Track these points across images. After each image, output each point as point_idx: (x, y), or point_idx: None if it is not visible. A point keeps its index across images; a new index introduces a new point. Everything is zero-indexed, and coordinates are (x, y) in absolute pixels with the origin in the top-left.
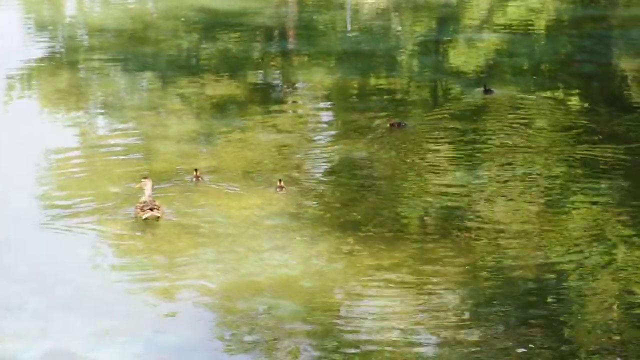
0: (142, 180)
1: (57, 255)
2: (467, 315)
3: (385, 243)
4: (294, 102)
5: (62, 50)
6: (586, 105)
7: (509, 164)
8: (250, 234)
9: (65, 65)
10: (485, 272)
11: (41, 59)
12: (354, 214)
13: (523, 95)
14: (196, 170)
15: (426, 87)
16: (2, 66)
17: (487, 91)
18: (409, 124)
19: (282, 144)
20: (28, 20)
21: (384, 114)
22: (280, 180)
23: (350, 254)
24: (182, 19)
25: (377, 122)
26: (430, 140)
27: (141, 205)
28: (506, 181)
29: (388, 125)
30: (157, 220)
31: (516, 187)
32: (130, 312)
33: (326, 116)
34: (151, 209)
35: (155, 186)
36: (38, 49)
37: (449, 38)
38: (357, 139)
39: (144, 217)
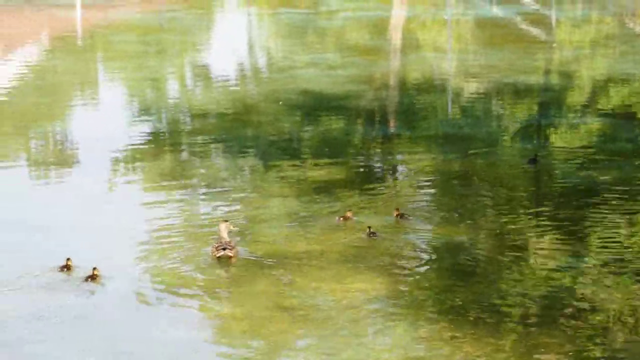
0: (221, 224)
1: (152, 333)
2: None
3: (488, 329)
4: (395, 185)
5: (165, 132)
6: None
7: (615, 247)
8: (351, 317)
9: (167, 148)
10: None
11: (144, 141)
12: (456, 299)
13: (627, 180)
14: (349, 210)
15: (527, 171)
16: (105, 148)
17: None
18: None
19: (384, 227)
20: (131, 102)
21: (485, 198)
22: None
23: (452, 340)
24: (280, 102)
25: (479, 206)
26: (533, 224)
27: (217, 245)
28: (613, 264)
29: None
30: (230, 260)
31: (624, 270)
32: None
33: (427, 200)
34: (224, 249)
35: (260, 266)
36: (141, 131)
37: (550, 122)
38: (459, 222)
39: (217, 256)
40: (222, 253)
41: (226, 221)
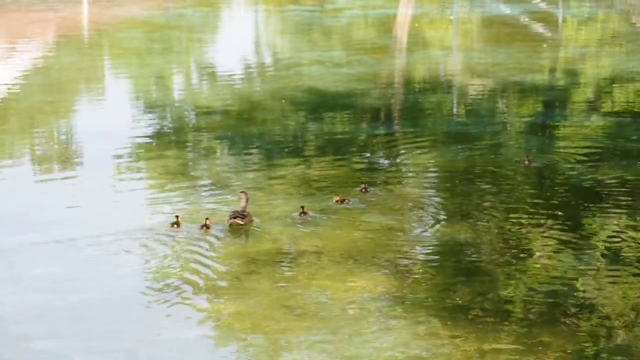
0: (239, 194)
1: (152, 331)
2: None
3: (489, 328)
4: (399, 184)
5: (170, 130)
6: None
7: (617, 248)
8: (353, 315)
9: (172, 145)
10: None
11: (149, 139)
12: (457, 298)
13: (631, 180)
14: (302, 207)
15: (532, 170)
16: (111, 145)
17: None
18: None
19: (387, 226)
20: (137, 100)
21: (488, 197)
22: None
23: (453, 339)
24: (283, 101)
25: (482, 205)
26: (536, 224)
27: (233, 214)
28: (616, 264)
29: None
30: (241, 227)
31: (625, 271)
32: None
33: (431, 198)
34: (234, 217)
35: (263, 264)
36: (146, 129)
37: (555, 121)
38: (462, 221)
39: (228, 224)
40: (231, 221)
41: (243, 192)
